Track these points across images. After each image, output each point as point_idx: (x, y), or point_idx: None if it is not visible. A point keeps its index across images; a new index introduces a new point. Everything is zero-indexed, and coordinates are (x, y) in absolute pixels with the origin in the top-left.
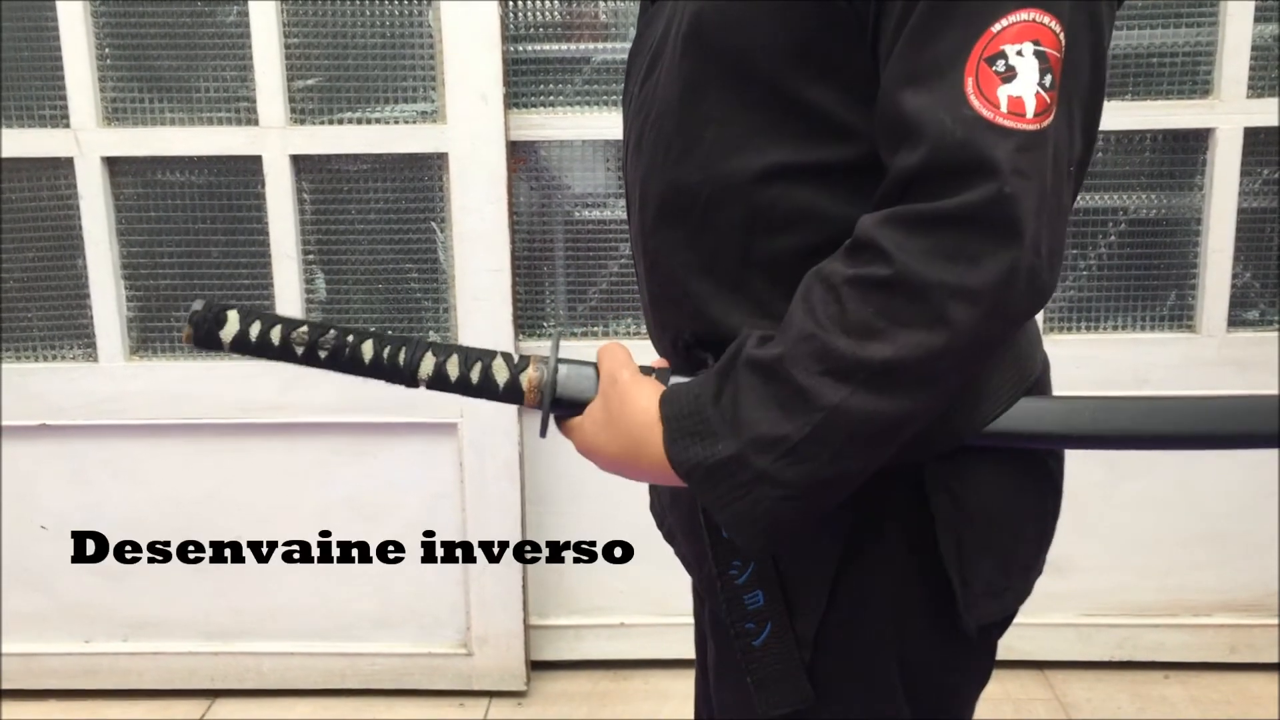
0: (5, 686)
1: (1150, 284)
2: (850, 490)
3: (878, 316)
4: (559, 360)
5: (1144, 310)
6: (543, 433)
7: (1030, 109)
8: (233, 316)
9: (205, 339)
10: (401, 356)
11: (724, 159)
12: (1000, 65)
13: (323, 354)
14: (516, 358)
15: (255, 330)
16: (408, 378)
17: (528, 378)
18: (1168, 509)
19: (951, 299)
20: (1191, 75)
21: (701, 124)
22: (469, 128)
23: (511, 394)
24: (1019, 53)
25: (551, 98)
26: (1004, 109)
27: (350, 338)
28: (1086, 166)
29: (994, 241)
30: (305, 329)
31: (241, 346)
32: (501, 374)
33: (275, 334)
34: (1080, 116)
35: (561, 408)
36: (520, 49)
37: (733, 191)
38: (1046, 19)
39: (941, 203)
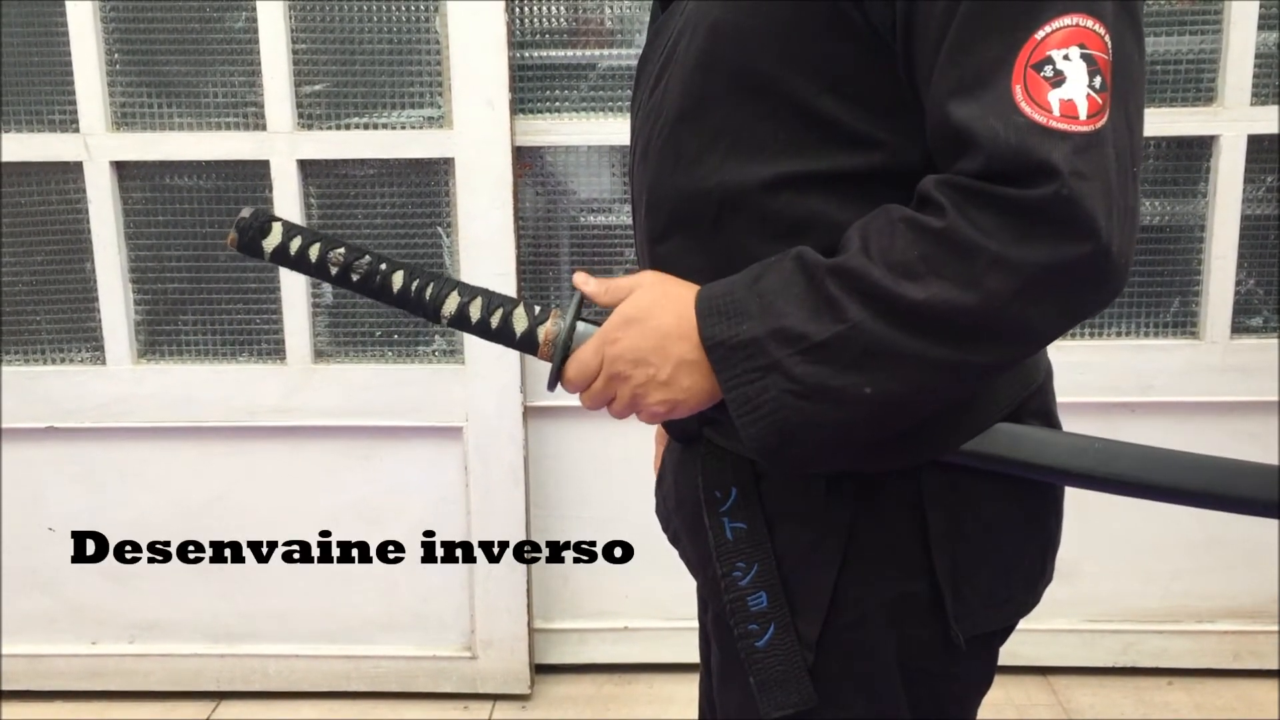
0: (13, 688)
1: (1154, 290)
2: (851, 420)
3: (921, 260)
4: (578, 318)
5: (1147, 316)
6: (550, 386)
7: (1083, 111)
8: (277, 228)
9: (248, 246)
10: (429, 291)
11: (735, 168)
12: (1048, 71)
13: (355, 277)
14: (538, 309)
15: (295, 245)
16: (431, 313)
17: (544, 330)
18: (1171, 515)
19: (992, 267)
20: (1195, 82)
21: (713, 133)
22: (475, 133)
23: (527, 344)
24: (1066, 57)
25: (557, 103)
26: (1056, 113)
27: (383, 266)
28: (1141, 163)
29: (1060, 234)
30: (342, 250)
31: (281, 258)
32: (520, 323)
33: (314, 251)
34: (1135, 116)
35: None
36: (526, 55)
37: (743, 199)
38: (1090, 22)
39: (1005, 189)
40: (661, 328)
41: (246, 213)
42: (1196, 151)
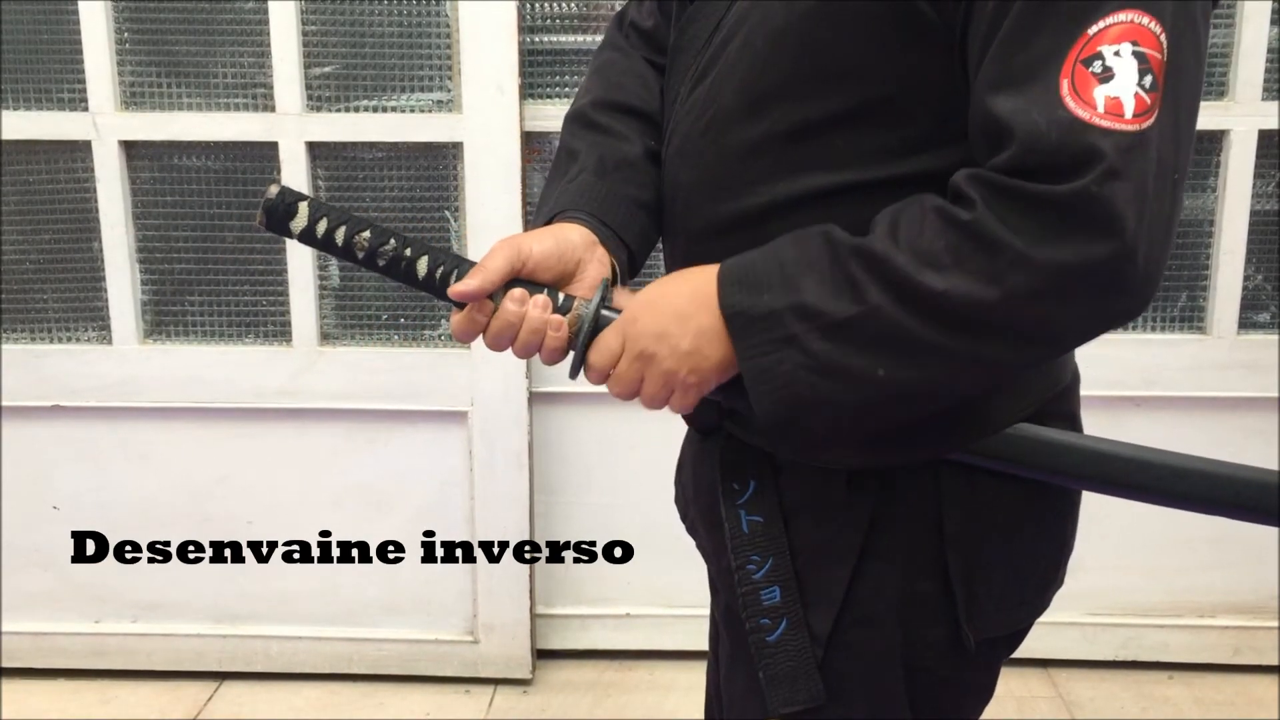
0: (15, 665)
1: (1161, 285)
2: (861, 401)
3: (946, 251)
4: (602, 307)
5: (1154, 311)
6: (572, 374)
7: (1129, 109)
8: (303, 209)
9: (276, 226)
10: (453, 278)
11: (790, 174)
12: (1097, 66)
13: (381, 262)
14: (562, 297)
15: (322, 227)
16: (454, 299)
17: (569, 319)
18: (1173, 511)
19: (1015, 264)
20: (1207, 76)
21: (767, 137)
22: (484, 118)
23: None
24: (1116, 53)
25: (567, 89)
26: (1101, 109)
27: (409, 250)
28: (1187, 172)
29: (1086, 233)
30: (368, 234)
31: (308, 239)
32: None
33: (340, 234)
34: (1185, 122)
35: None
36: (536, 40)
37: (797, 205)
38: (1146, 19)
39: (1031, 184)
40: (679, 303)
41: (273, 192)
42: (1207, 146)
